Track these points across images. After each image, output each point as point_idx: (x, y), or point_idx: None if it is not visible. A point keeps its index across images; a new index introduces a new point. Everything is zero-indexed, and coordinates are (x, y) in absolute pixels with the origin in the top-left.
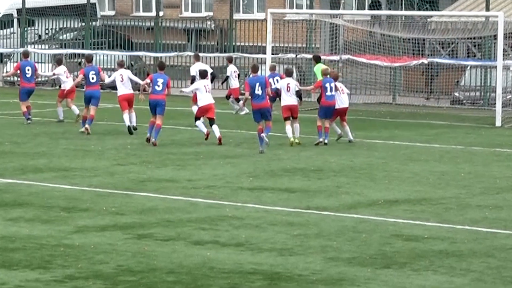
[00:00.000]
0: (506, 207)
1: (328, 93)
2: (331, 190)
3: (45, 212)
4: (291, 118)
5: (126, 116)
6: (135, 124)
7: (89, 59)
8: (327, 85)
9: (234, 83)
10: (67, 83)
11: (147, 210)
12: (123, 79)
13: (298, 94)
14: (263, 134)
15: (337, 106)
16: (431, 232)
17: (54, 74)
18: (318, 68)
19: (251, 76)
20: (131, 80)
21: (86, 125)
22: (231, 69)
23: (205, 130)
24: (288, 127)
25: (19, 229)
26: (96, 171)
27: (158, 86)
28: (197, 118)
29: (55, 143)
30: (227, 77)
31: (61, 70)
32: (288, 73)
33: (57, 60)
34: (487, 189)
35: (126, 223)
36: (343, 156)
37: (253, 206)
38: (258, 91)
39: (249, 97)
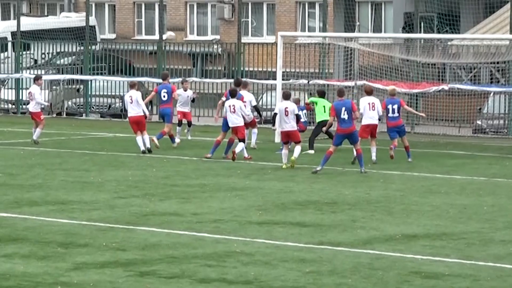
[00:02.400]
0: None
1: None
2: (346, 224)
3: (41, 248)
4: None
5: (138, 138)
6: (149, 146)
7: (164, 76)
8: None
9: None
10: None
11: (150, 245)
12: (132, 101)
13: (298, 117)
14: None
15: (368, 123)
16: (452, 269)
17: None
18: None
19: (337, 100)
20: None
21: (154, 138)
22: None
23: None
24: (285, 151)
25: (13, 266)
26: (95, 204)
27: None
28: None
29: (52, 174)
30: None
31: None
32: (286, 96)
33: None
34: (511, 223)
35: (128, 260)
36: (359, 188)
37: (262, 241)
38: (344, 115)
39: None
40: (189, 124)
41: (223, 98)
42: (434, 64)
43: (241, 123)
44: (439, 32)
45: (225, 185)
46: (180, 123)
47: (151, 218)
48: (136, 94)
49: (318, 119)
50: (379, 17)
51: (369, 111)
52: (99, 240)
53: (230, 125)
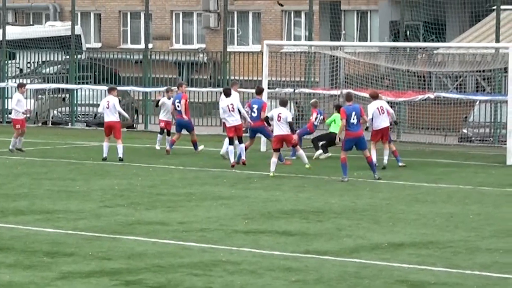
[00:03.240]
0: None
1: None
2: (332, 233)
3: (27, 257)
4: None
5: (105, 145)
6: (121, 156)
7: (178, 86)
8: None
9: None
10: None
11: (136, 254)
12: (108, 106)
13: (291, 125)
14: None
15: (380, 127)
16: (438, 277)
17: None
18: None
19: (346, 104)
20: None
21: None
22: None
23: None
24: (273, 159)
25: None
26: (81, 214)
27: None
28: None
29: (38, 183)
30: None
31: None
32: (283, 103)
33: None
34: (497, 232)
35: (114, 269)
36: (345, 197)
37: (248, 250)
38: (354, 119)
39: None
40: (168, 133)
41: (247, 108)
42: (420, 73)
43: (239, 121)
44: (425, 41)
45: (211, 194)
46: (162, 131)
47: (137, 227)
48: (113, 100)
49: (331, 129)
50: (365, 25)
51: (380, 115)
52: (85, 249)
53: (228, 125)
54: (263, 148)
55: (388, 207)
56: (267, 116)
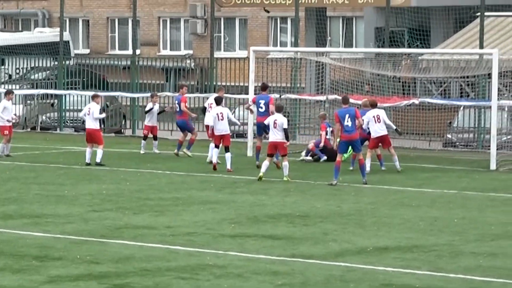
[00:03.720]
0: (501, 255)
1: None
2: (318, 237)
3: (16, 261)
4: (279, 156)
5: (87, 150)
6: (98, 161)
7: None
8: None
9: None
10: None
11: (123, 258)
12: (89, 113)
13: (286, 132)
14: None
15: (376, 135)
16: (422, 281)
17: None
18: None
19: (342, 107)
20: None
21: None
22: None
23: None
24: (266, 162)
25: None
26: (70, 218)
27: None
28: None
29: (26, 188)
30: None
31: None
32: (279, 109)
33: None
34: (481, 236)
35: (102, 273)
36: (330, 201)
37: (235, 254)
38: (348, 122)
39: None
40: (155, 138)
41: (251, 103)
42: (401, 79)
43: (228, 131)
44: (409, 47)
45: (198, 198)
46: (145, 137)
47: (125, 231)
48: (94, 107)
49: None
50: (350, 32)
51: (375, 123)
52: (74, 253)
53: (216, 133)
54: (249, 153)
55: (373, 212)
56: (264, 124)
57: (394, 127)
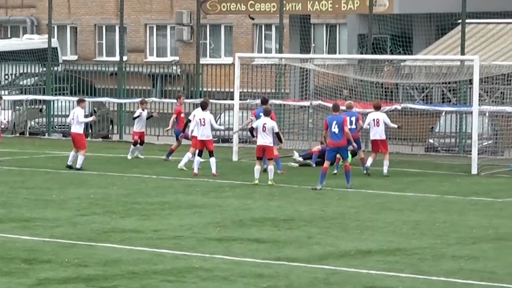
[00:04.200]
0: (483, 258)
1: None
2: (302, 240)
3: (5, 264)
4: (266, 160)
5: (72, 154)
6: (79, 167)
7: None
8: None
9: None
10: None
11: (111, 261)
12: (73, 118)
13: (278, 136)
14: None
15: (373, 138)
16: (405, 283)
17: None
18: None
19: (332, 114)
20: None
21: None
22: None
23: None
24: (257, 167)
25: None
26: (58, 221)
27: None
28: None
29: (15, 192)
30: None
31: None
32: (267, 113)
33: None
34: (463, 239)
35: (90, 275)
36: (314, 205)
37: (221, 257)
38: (335, 129)
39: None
40: (141, 143)
41: (253, 117)
42: (383, 85)
43: (210, 136)
44: (392, 53)
45: (184, 202)
46: (136, 143)
47: (112, 235)
48: (78, 112)
49: None
50: (334, 38)
51: (374, 127)
52: (62, 256)
53: (199, 138)
54: (234, 158)
55: (356, 215)
56: (252, 127)
57: (396, 126)
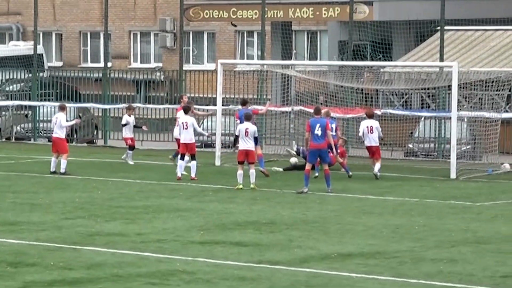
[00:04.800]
0: (461, 261)
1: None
2: (283, 243)
3: None
4: (248, 164)
5: (53, 160)
6: (63, 171)
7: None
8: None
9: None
10: None
11: (95, 264)
12: (56, 123)
13: (256, 139)
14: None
15: (367, 145)
16: (385, 286)
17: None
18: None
19: (313, 117)
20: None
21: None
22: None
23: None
24: (240, 172)
25: None
26: (43, 225)
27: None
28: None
29: (1, 196)
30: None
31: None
32: (247, 117)
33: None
34: (442, 242)
35: (74, 278)
36: (296, 209)
37: (204, 260)
38: (318, 131)
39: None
40: (132, 148)
41: (237, 120)
42: (364, 91)
43: (193, 140)
44: (372, 60)
45: (168, 206)
46: (131, 147)
47: (97, 238)
48: (61, 117)
49: None
50: (315, 45)
51: (368, 133)
52: (47, 260)
53: (182, 141)
54: (217, 162)
55: (337, 219)
56: (236, 135)
57: (382, 136)
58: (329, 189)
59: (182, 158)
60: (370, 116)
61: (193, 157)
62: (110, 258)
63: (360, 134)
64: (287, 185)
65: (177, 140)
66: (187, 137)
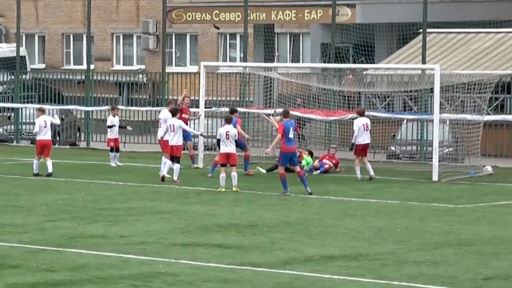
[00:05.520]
0: (443, 263)
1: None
2: (266, 246)
3: None
4: (229, 167)
5: (35, 162)
6: (51, 171)
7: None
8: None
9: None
10: None
11: (78, 266)
12: (46, 125)
13: (238, 142)
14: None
15: (364, 142)
16: None
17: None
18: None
19: (284, 120)
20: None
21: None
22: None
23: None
24: (222, 175)
25: None
26: (26, 227)
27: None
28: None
29: None
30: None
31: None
32: (228, 120)
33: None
34: (424, 245)
35: (57, 280)
36: (278, 211)
37: (186, 262)
38: (291, 134)
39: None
40: (117, 150)
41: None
42: (346, 93)
43: (180, 142)
44: (354, 62)
45: (150, 208)
46: (112, 150)
47: (80, 241)
48: (48, 118)
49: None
50: (297, 47)
51: (364, 131)
52: (30, 262)
53: (170, 143)
54: (200, 164)
55: (319, 221)
56: (218, 139)
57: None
58: (308, 189)
59: (172, 160)
60: (362, 114)
61: (177, 160)
62: (93, 260)
63: (356, 133)
64: (269, 187)
65: (160, 141)
66: (174, 139)
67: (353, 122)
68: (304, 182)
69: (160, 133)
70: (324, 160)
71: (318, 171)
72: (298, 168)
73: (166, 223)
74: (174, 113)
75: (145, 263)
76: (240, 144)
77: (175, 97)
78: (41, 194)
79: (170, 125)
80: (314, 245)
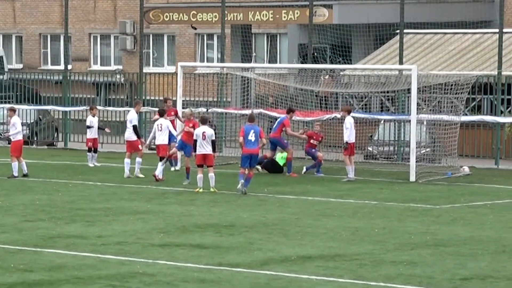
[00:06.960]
0: (421, 263)
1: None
2: (244, 246)
3: None
4: (205, 167)
5: (15, 164)
6: (26, 171)
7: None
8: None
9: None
10: None
11: (56, 267)
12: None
13: (213, 143)
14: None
15: (353, 140)
16: None
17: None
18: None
19: (246, 124)
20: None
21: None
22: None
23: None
24: (199, 175)
25: None
26: (4, 228)
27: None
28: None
29: None
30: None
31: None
32: (204, 121)
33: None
34: (401, 245)
35: (35, 281)
36: (256, 212)
37: (164, 262)
38: (252, 137)
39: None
40: (95, 151)
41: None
42: (327, 93)
43: (165, 142)
44: (332, 63)
45: (128, 209)
46: (90, 150)
47: (58, 241)
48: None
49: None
50: (275, 48)
51: (353, 129)
52: (8, 262)
53: (156, 142)
54: (178, 165)
55: (296, 222)
56: (195, 140)
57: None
58: (245, 188)
59: (161, 159)
60: (350, 112)
61: (161, 159)
62: (71, 261)
63: (350, 131)
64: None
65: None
66: (160, 138)
67: (331, 122)
68: (247, 182)
69: (149, 139)
70: (311, 141)
71: (319, 173)
72: (253, 171)
73: (144, 224)
74: (162, 113)
75: (123, 263)
76: (281, 145)
77: (152, 98)
78: (18, 194)
79: (158, 125)
80: (292, 245)
